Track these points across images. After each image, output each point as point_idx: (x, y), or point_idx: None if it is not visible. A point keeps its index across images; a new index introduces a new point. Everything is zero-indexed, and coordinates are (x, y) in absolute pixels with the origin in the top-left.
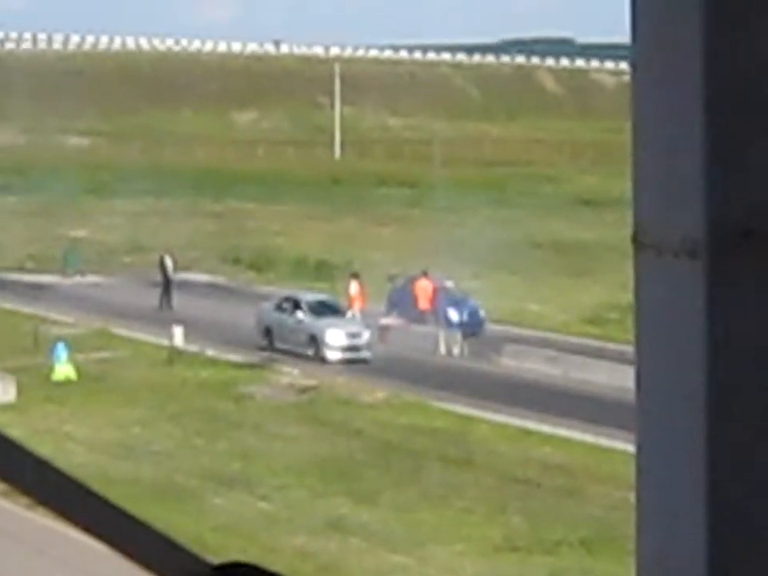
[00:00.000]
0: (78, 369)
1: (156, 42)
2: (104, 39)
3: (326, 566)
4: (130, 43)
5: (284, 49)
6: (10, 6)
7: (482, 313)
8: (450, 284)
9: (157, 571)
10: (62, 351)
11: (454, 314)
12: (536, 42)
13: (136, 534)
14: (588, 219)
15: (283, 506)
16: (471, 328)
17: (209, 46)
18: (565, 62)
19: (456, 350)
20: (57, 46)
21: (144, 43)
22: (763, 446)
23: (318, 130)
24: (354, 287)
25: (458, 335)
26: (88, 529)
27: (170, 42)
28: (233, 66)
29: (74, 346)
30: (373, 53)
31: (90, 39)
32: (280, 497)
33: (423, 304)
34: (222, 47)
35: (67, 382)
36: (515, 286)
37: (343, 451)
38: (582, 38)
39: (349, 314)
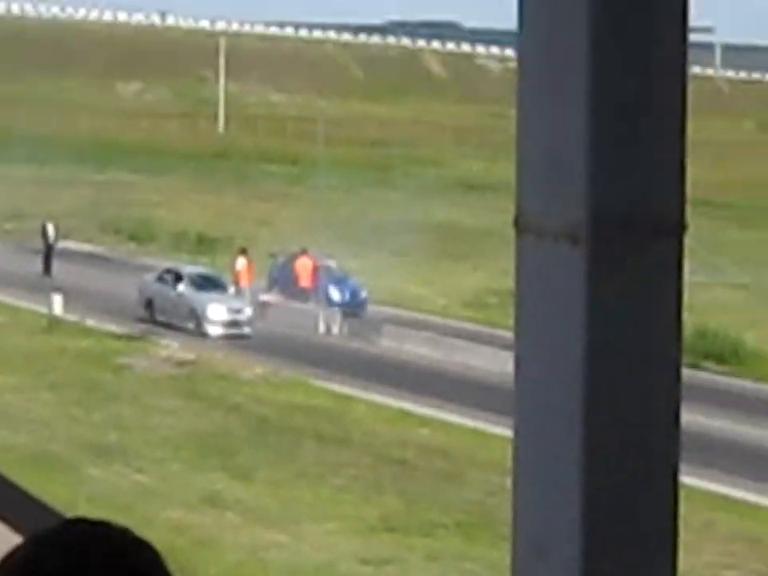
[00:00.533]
0: None
1: (41, 9)
2: None
3: (202, 541)
4: (15, 9)
5: (170, 20)
6: None
7: (363, 293)
8: (331, 263)
9: (12, 524)
10: None
11: (335, 293)
12: (422, 24)
13: None
14: (471, 204)
15: (159, 479)
16: (352, 308)
17: (94, 15)
18: (451, 45)
19: (335, 329)
20: None
21: (29, 9)
22: (637, 438)
23: (202, 103)
24: (240, 262)
25: (338, 314)
26: None
27: (55, 10)
28: (118, 35)
29: None
30: (259, 28)
31: None
32: (156, 469)
33: (304, 282)
34: (108, 16)
35: None
36: (396, 268)
37: (220, 426)
38: (469, 23)
39: (231, 289)
